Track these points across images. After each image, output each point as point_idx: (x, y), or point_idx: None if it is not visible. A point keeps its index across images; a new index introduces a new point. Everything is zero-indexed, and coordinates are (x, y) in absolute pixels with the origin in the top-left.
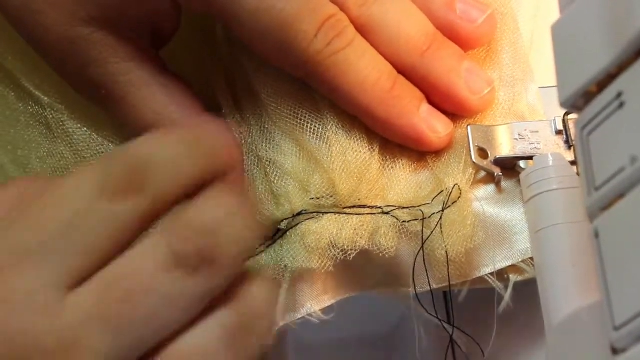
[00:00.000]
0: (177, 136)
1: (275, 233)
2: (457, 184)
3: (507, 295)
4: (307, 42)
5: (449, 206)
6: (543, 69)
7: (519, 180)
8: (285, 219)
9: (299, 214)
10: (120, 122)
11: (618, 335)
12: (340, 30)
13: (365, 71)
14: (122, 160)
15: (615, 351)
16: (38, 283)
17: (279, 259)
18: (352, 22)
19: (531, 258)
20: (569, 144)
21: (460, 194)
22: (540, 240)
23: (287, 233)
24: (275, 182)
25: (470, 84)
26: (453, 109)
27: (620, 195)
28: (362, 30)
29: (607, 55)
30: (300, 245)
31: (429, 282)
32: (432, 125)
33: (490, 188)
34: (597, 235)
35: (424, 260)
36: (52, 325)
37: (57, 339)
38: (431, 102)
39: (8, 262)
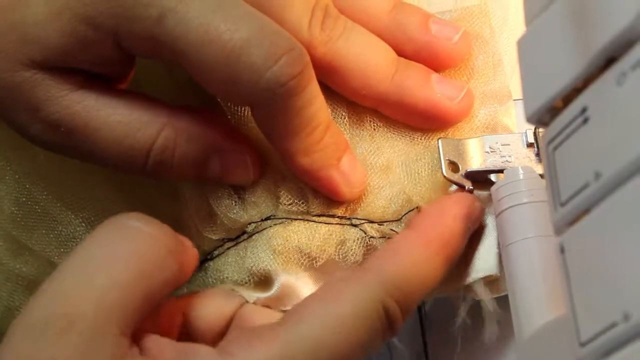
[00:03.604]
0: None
1: (240, 235)
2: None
3: (463, 313)
4: (258, 76)
5: None
6: (515, 81)
7: (489, 194)
8: (253, 222)
9: (268, 218)
10: (90, 159)
11: (584, 352)
12: (299, 70)
13: (309, 120)
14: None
15: None
16: None
17: (243, 261)
18: (319, 59)
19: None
20: (539, 156)
21: None
22: (511, 254)
23: (254, 237)
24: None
25: (445, 92)
26: (435, 122)
27: (585, 211)
28: (330, 66)
29: (572, 70)
30: (266, 247)
31: None
32: (348, 178)
33: None
34: (562, 250)
35: None
36: None
37: None
38: (411, 124)
39: None
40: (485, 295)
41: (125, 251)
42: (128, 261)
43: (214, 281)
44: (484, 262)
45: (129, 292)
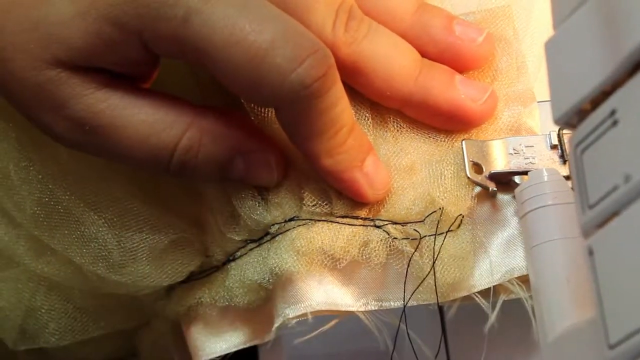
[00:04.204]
0: None
1: (263, 236)
2: (461, 214)
3: (493, 316)
4: (282, 78)
5: (443, 232)
6: (539, 82)
7: (513, 196)
8: (276, 224)
9: (291, 219)
10: (113, 158)
11: (613, 354)
12: (323, 72)
13: (333, 121)
14: None
15: None
16: None
17: (265, 262)
18: (343, 60)
19: (519, 277)
20: (563, 158)
21: (460, 223)
22: (536, 256)
23: (277, 238)
24: (269, 188)
25: (469, 93)
26: (459, 124)
27: (615, 213)
28: (354, 67)
29: (600, 73)
30: (289, 248)
31: (404, 299)
32: (371, 179)
33: (485, 204)
34: (591, 253)
35: (405, 278)
36: None
37: None
38: (435, 125)
39: None
40: (522, 293)
41: None
42: None
43: (236, 282)
44: (515, 261)
45: None
